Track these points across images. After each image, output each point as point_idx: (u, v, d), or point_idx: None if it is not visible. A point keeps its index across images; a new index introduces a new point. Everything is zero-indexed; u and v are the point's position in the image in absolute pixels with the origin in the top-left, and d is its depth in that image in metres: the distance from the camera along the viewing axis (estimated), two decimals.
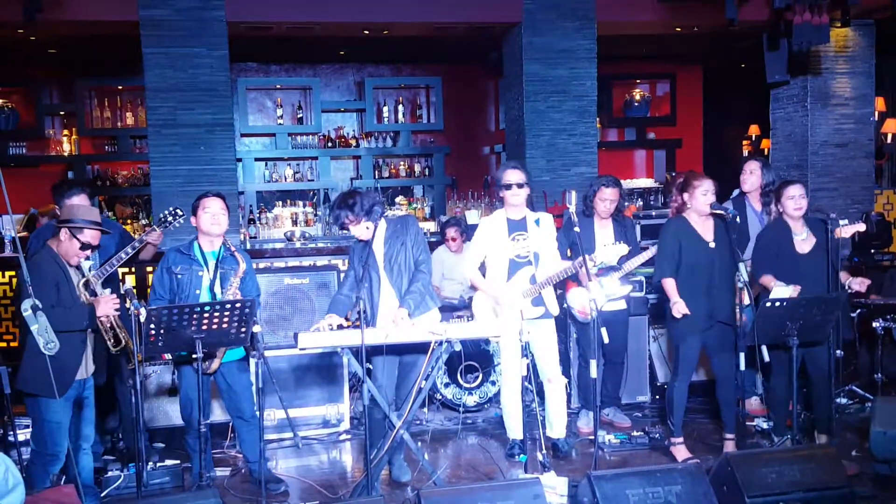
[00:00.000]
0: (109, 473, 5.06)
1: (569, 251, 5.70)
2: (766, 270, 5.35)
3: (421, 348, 4.91)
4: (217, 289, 4.88)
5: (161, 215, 5.32)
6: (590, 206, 5.89)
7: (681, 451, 5.38)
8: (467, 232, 7.41)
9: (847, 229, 5.32)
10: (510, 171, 5.38)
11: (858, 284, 5.39)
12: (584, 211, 5.89)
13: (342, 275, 6.12)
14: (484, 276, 5.51)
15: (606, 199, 5.84)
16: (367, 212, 4.84)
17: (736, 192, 6.45)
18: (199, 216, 4.89)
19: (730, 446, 5.35)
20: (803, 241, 5.38)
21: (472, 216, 9.06)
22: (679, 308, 5.16)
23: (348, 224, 4.84)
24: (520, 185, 5.32)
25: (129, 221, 10.01)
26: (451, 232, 7.26)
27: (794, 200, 5.34)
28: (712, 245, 5.24)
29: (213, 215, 4.86)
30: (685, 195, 5.32)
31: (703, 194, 5.21)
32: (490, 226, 5.47)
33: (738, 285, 5.06)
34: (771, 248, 5.42)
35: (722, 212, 5.18)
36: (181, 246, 5.00)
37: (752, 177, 6.11)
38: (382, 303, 5.01)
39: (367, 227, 4.86)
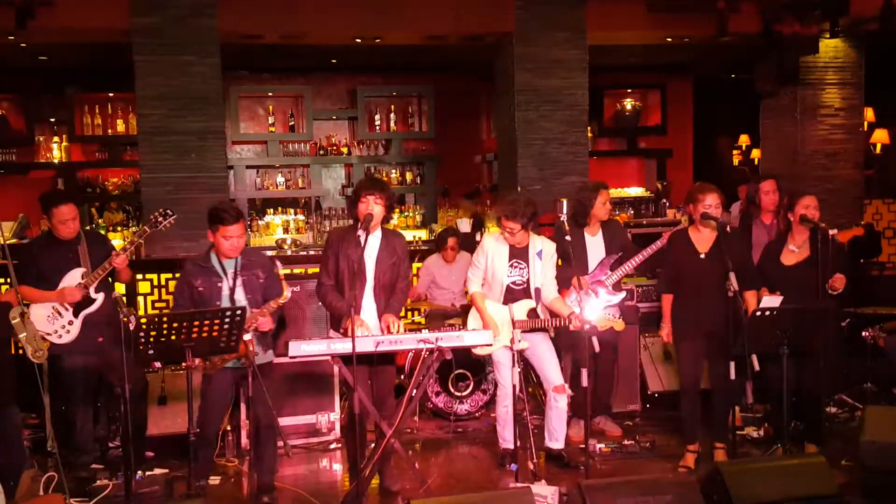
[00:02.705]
0: (98, 482, 5.02)
1: (559, 261, 5.69)
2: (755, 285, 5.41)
3: (391, 358, 5.06)
4: (238, 296, 4.83)
5: (151, 217, 5.29)
6: (585, 215, 5.88)
7: (687, 459, 5.43)
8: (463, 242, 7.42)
9: (844, 234, 5.38)
10: (508, 221, 5.27)
11: (838, 282, 5.39)
12: (576, 221, 5.88)
13: None
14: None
15: (606, 201, 5.89)
16: (390, 205, 5.01)
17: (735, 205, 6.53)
18: (217, 240, 4.80)
19: (720, 455, 5.36)
20: (792, 254, 5.42)
21: (463, 225, 9.07)
22: (664, 332, 5.38)
23: (374, 198, 4.87)
24: (511, 233, 5.29)
25: (118, 229, 9.96)
26: (452, 241, 7.19)
27: (809, 210, 5.40)
28: (702, 256, 5.27)
29: (231, 243, 4.79)
30: (691, 206, 5.39)
31: (705, 208, 5.25)
32: (493, 246, 5.44)
33: (728, 294, 5.08)
34: (759, 262, 5.52)
35: (712, 221, 5.21)
36: (199, 258, 4.93)
37: (767, 196, 6.12)
38: (362, 307, 5.01)
39: (379, 213, 4.92)
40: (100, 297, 5.27)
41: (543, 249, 5.41)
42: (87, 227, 8.55)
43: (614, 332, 6.13)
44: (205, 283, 4.82)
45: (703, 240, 5.32)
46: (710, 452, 5.45)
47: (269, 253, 8.39)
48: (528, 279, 5.38)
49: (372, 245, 5.00)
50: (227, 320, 4.43)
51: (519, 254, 5.39)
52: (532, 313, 5.37)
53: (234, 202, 9.53)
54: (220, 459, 5.68)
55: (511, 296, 5.36)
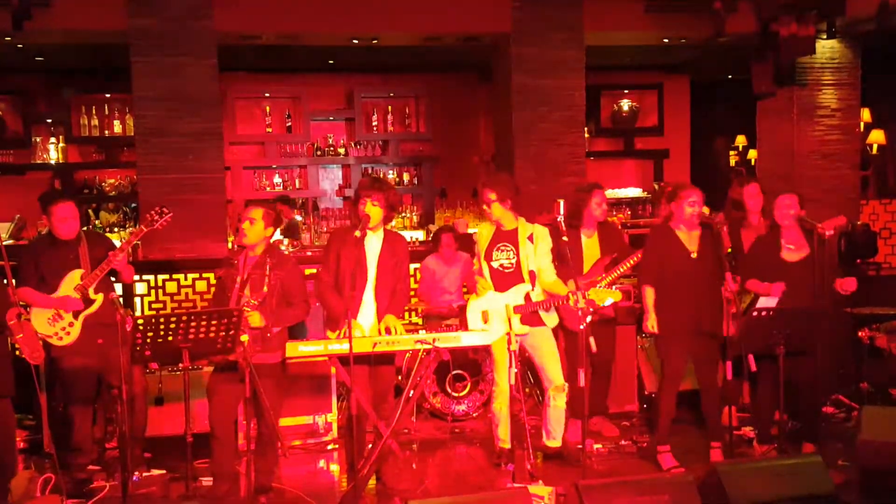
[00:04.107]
0: (95, 484, 5.01)
1: (555, 261, 5.67)
2: (751, 275, 5.43)
3: (390, 358, 5.07)
4: (246, 292, 4.83)
5: (147, 215, 5.29)
6: (580, 216, 5.89)
7: (667, 459, 5.39)
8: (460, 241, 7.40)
9: (828, 224, 5.39)
10: (488, 189, 5.32)
11: (847, 285, 5.40)
12: (571, 222, 5.88)
13: None
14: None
15: (601, 201, 5.89)
16: (391, 206, 4.99)
17: None
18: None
19: (716, 455, 5.36)
20: (792, 251, 5.43)
21: (461, 225, 9.07)
22: (649, 323, 5.33)
23: (371, 198, 4.88)
24: (487, 204, 5.31)
25: (115, 230, 9.95)
26: (447, 238, 7.13)
27: (781, 210, 5.41)
28: (694, 255, 5.27)
29: (243, 226, 4.88)
30: (672, 205, 5.36)
31: (689, 206, 5.25)
32: (481, 233, 5.50)
33: (725, 295, 5.09)
34: (756, 258, 5.50)
35: (709, 222, 5.22)
36: (234, 251, 5.08)
37: (752, 200, 6.13)
38: (361, 308, 5.01)
39: (377, 214, 4.90)
40: (99, 298, 5.26)
41: (534, 233, 5.40)
42: (85, 228, 8.54)
43: (611, 332, 6.17)
44: (226, 274, 4.94)
45: (690, 239, 5.31)
46: (707, 452, 5.46)
47: None
48: (517, 262, 5.36)
49: (374, 246, 5.00)
50: (223, 321, 4.43)
51: (505, 237, 5.38)
52: (528, 297, 5.37)
53: (230, 203, 9.62)
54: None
55: (500, 280, 5.36)
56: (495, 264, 5.38)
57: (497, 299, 5.33)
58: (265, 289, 4.76)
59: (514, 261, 5.37)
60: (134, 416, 5.45)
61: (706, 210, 5.62)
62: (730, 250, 6.26)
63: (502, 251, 5.38)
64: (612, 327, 6.17)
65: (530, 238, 5.38)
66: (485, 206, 5.35)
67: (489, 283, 5.40)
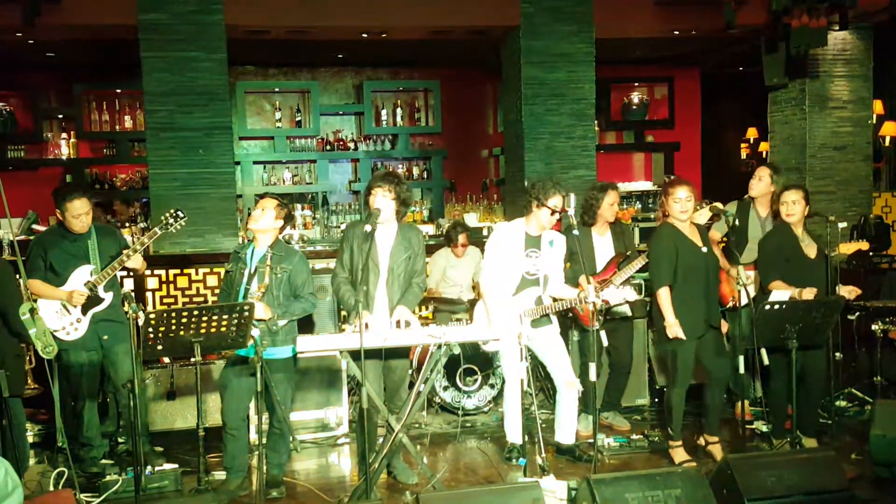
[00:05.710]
0: (107, 478, 5.04)
1: (567, 262, 5.64)
2: (776, 276, 5.35)
3: (405, 352, 5.06)
4: (253, 287, 4.85)
5: (163, 217, 5.28)
6: (592, 215, 5.87)
7: (679, 454, 5.37)
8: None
9: (849, 246, 5.38)
10: (561, 196, 5.21)
11: (847, 293, 5.40)
12: (583, 220, 5.87)
13: None
14: None
15: (614, 202, 5.87)
16: (402, 201, 4.96)
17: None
18: None
19: (716, 450, 5.34)
20: (808, 247, 5.39)
21: (470, 219, 9.07)
22: (674, 331, 5.14)
23: (382, 191, 4.89)
24: (562, 213, 5.29)
25: (127, 225, 9.98)
26: (462, 238, 7.15)
27: (786, 206, 5.37)
28: (704, 249, 5.23)
29: (255, 213, 4.99)
30: (663, 199, 5.35)
31: (675, 202, 5.21)
32: (508, 235, 5.39)
33: (736, 287, 5.06)
34: (779, 254, 5.42)
35: (711, 215, 5.20)
36: (241, 245, 5.19)
37: (760, 183, 6.07)
38: (375, 302, 5.00)
39: (388, 207, 4.88)
40: (108, 297, 5.28)
41: (555, 240, 5.38)
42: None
43: (629, 332, 6.16)
44: (234, 268, 4.99)
45: (692, 233, 5.27)
46: (704, 447, 5.47)
47: None
48: (540, 268, 5.36)
49: (386, 239, 4.99)
50: (235, 315, 4.44)
51: (534, 242, 5.35)
52: (538, 301, 5.35)
53: (240, 198, 9.64)
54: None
55: (521, 285, 5.33)
56: (523, 270, 5.35)
57: (509, 304, 5.30)
58: (265, 280, 4.78)
59: (539, 267, 5.35)
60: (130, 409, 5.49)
61: (718, 204, 5.58)
62: (724, 239, 6.19)
63: (531, 258, 5.35)
64: (630, 326, 6.16)
65: (551, 244, 5.36)
66: (554, 216, 5.22)
67: (494, 300, 5.34)
